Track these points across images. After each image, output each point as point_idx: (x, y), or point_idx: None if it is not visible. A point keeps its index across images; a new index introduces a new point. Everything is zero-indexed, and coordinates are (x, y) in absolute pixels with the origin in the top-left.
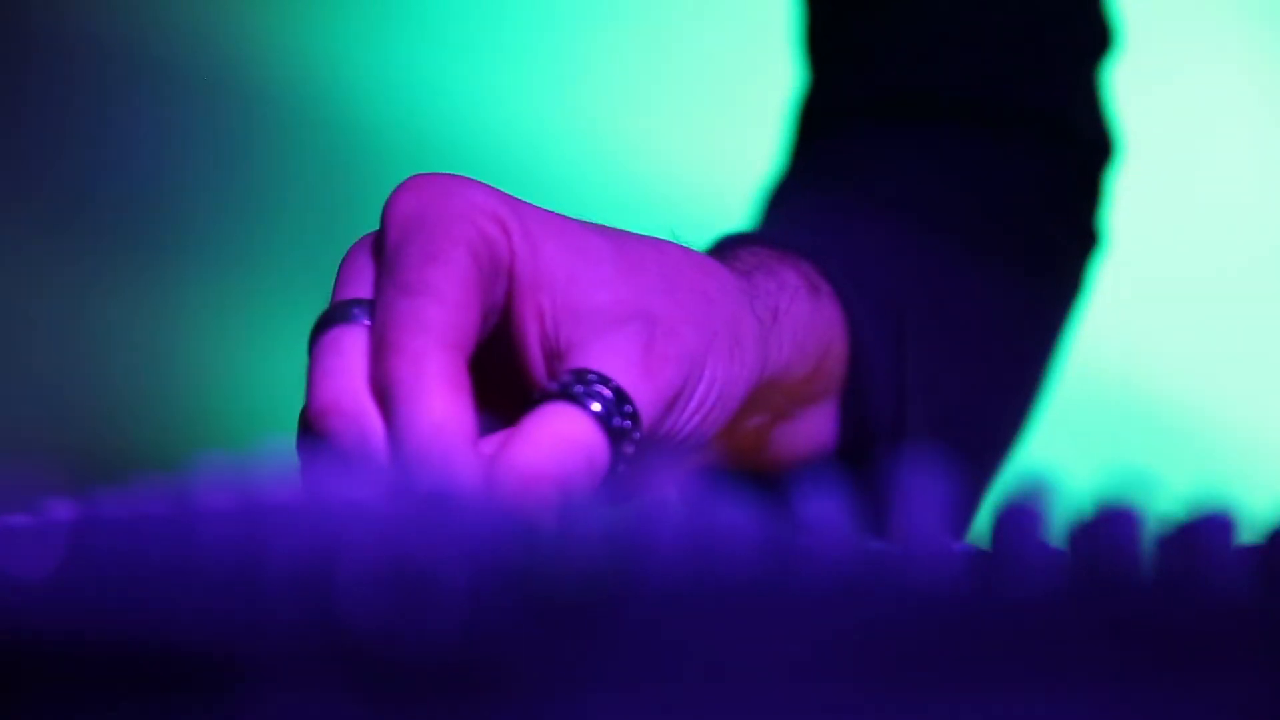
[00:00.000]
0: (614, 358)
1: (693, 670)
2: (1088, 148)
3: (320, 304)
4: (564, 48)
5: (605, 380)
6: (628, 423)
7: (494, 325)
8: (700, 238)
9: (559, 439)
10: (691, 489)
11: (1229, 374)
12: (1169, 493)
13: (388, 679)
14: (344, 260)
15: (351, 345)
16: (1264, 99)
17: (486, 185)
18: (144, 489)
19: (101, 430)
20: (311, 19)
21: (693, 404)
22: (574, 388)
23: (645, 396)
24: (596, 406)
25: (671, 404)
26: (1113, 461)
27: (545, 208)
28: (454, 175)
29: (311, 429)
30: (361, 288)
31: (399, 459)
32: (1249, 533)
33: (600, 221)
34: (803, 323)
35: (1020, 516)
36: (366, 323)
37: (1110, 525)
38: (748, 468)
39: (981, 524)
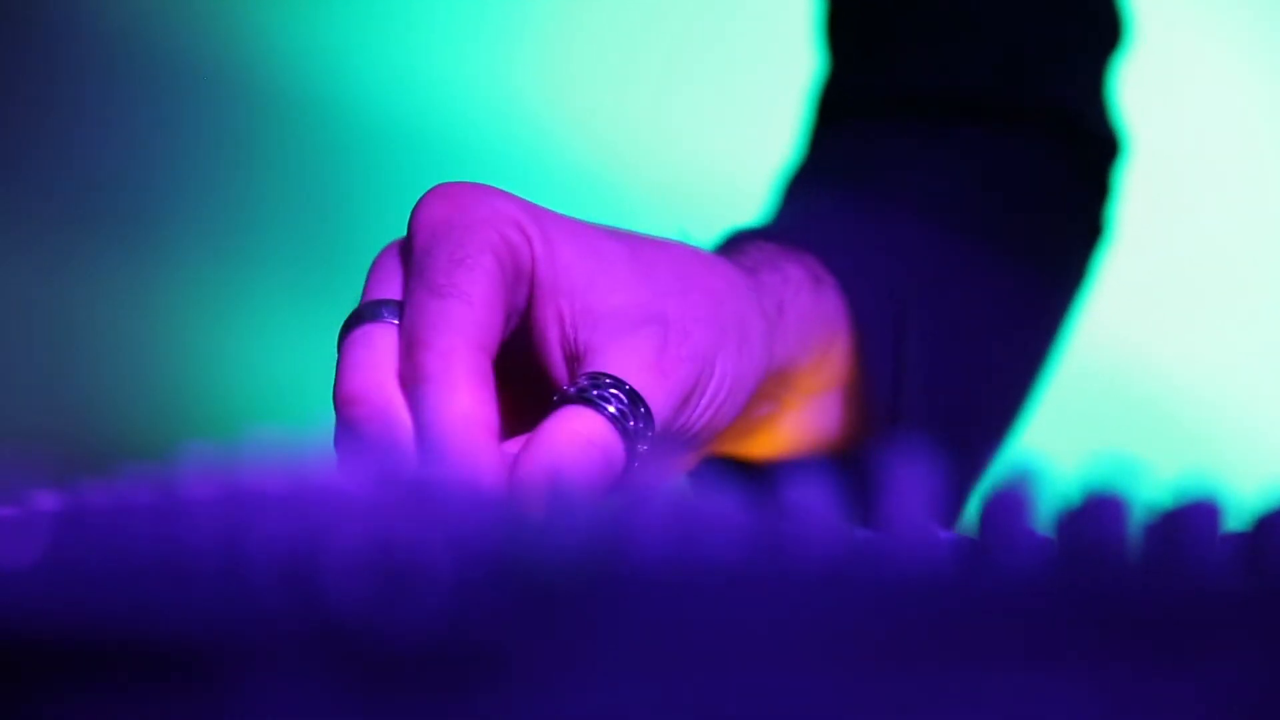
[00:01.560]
0: (629, 361)
1: (678, 658)
2: (1097, 143)
3: (307, 295)
4: (575, 38)
5: (620, 383)
6: (641, 423)
7: (514, 328)
8: (713, 231)
9: (577, 439)
10: (681, 478)
11: (1217, 361)
12: (1156, 479)
13: (373, 667)
14: (373, 264)
15: (380, 341)
16: (1261, 90)
17: (508, 193)
18: (129, 479)
19: (86, 420)
20: (302, 12)
21: (704, 400)
22: (591, 391)
23: (659, 397)
24: (612, 409)
25: (684, 402)
26: (1100, 448)
27: (561, 213)
28: (477, 184)
29: (338, 416)
30: (389, 289)
31: (424, 448)
32: (1236, 520)
33: (606, 218)
34: (807, 316)
35: (1007, 503)
36: (394, 322)
37: (1097, 512)
38: (755, 457)
39: (972, 512)
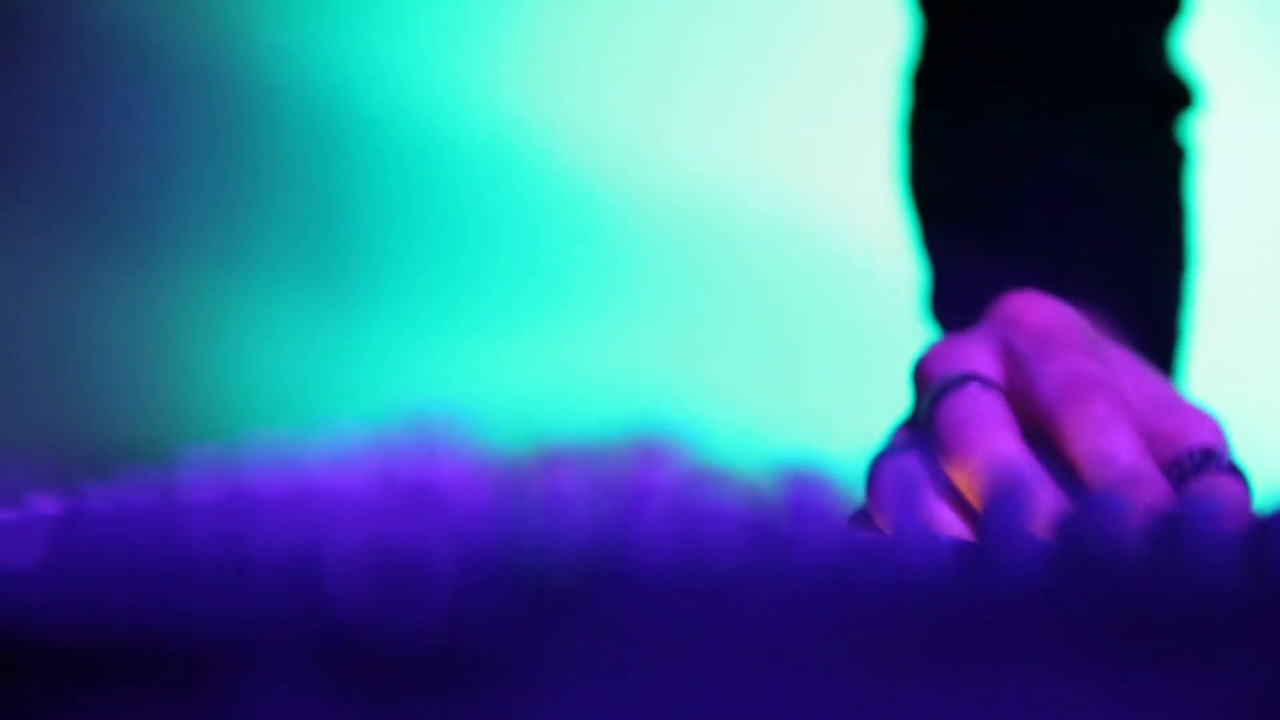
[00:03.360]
0: (1204, 431)
1: (679, 658)
2: (1165, 100)
3: (306, 296)
4: (572, 41)
5: (1219, 451)
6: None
7: None
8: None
9: (1240, 499)
10: (681, 479)
11: (1216, 361)
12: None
13: (375, 668)
14: (947, 347)
15: (990, 405)
16: (1260, 89)
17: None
18: (131, 482)
19: (87, 422)
20: (301, 12)
21: None
22: (1215, 460)
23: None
24: (1232, 469)
25: None
26: None
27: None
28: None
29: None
30: (977, 365)
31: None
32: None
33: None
34: None
35: (1008, 506)
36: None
37: (1098, 514)
38: None
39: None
